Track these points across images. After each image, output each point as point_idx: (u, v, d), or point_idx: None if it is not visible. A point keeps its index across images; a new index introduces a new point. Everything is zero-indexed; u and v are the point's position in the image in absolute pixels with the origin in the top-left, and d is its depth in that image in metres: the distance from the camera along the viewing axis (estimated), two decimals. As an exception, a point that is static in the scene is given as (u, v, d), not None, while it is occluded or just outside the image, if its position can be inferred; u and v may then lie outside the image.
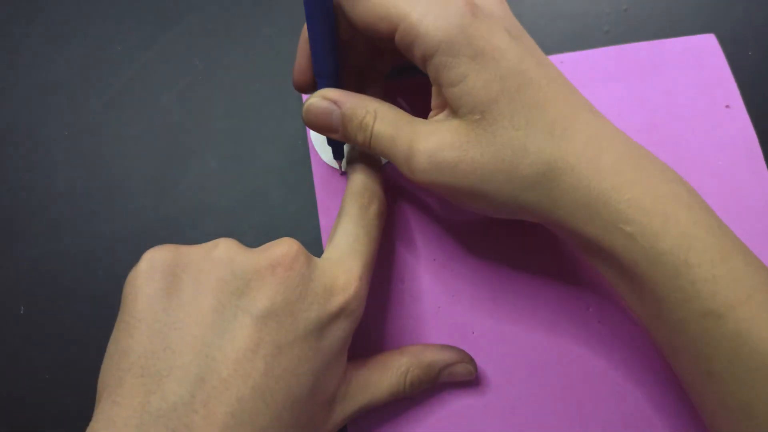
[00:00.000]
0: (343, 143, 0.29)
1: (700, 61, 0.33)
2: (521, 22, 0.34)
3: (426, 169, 0.24)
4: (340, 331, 0.23)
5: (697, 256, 0.21)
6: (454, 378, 0.27)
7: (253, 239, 0.30)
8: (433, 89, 0.25)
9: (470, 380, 0.28)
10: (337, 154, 0.29)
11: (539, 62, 0.24)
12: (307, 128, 0.32)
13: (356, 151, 0.29)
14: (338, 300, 0.23)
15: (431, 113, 0.25)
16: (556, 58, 0.33)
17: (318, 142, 0.32)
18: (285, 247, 0.22)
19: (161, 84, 0.34)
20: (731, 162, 0.31)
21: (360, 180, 0.27)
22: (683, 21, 0.34)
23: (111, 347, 0.21)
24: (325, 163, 0.32)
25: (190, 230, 0.31)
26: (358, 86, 0.29)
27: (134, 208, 0.32)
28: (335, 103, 0.25)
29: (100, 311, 0.30)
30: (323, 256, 0.25)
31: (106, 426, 0.19)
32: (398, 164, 0.25)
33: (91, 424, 0.20)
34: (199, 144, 0.33)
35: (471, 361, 0.27)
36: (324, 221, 0.31)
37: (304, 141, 0.33)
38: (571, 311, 0.29)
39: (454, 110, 0.24)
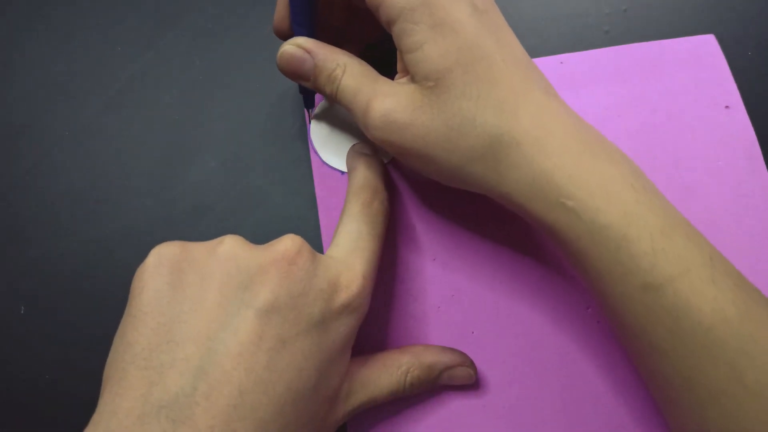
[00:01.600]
0: (314, 92, 0.31)
1: (699, 62, 0.33)
2: (521, 22, 0.34)
3: (379, 127, 0.25)
4: (344, 327, 0.23)
5: (636, 231, 0.21)
6: (454, 381, 0.27)
7: (253, 239, 0.30)
8: (398, 53, 0.25)
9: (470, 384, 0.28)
10: (308, 103, 0.31)
11: (499, 39, 0.24)
12: (308, 128, 0.32)
13: (358, 147, 0.29)
14: (342, 296, 0.23)
15: (396, 76, 0.26)
16: (556, 59, 0.33)
17: (318, 142, 0.32)
18: (288, 243, 0.23)
19: (161, 84, 0.34)
20: (731, 162, 0.31)
21: (362, 177, 0.27)
22: (683, 21, 0.34)
23: (117, 340, 0.22)
24: (325, 163, 0.32)
25: (190, 230, 0.31)
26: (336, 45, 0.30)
27: (134, 208, 0.32)
28: (308, 52, 0.26)
29: (100, 311, 0.30)
30: (327, 253, 0.25)
31: (109, 417, 0.20)
32: (357, 118, 0.26)
33: (94, 416, 0.20)
34: (199, 144, 0.33)
35: (471, 364, 0.27)
36: (324, 221, 0.31)
37: (304, 141, 0.33)
38: (570, 311, 0.29)
39: (412, 75, 0.24)
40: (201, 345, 0.20)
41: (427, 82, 0.24)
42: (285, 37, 0.29)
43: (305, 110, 0.32)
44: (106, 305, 0.30)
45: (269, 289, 0.21)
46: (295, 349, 0.21)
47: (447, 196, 0.30)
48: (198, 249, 0.23)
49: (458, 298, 0.29)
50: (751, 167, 0.31)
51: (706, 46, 0.33)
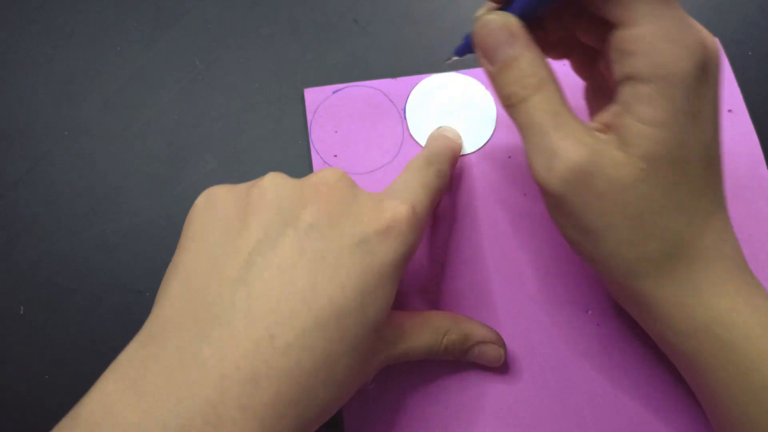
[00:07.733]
0: (472, 52, 0.25)
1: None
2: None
3: (565, 179, 0.21)
4: (391, 251, 0.22)
5: None
6: (483, 357, 0.27)
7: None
8: (614, 109, 0.22)
9: (496, 367, 0.28)
10: (460, 52, 0.26)
11: (718, 147, 0.23)
12: (309, 128, 0.32)
13: (443, 129, 0.31)
14: (387, 218, 0.22)
15: (592, 124, 0.23)
16: (556, 60, 0.33)
17: (317, 140, 0.32)
18: (329, 172, 0.23)
19: (161, 84, 0.34)
20: (734, 167, 0.31)
21: (427, 151, 0.29)
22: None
23: (167, 268, 0.23)
24: (325, 163, 0.32)
25: (190, 230, 0.31)
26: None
27: (134, 208, 0.32)
28: (512, 38, 0.22)
29: (99, 311, 0.30)
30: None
31: (150, 325, 0.21)
32: (531, 152, 0.22)
33: (141, 329, 0.21)
34: (199, 144, 0.33)
35: (503, 345, 0.27)
36: (324, 222, 0.31)
37: (304, 140, 0.33)
38: (570, 314, 0.29)
39: (624, 142, 0.21)
40: (241, 259, 0.21)
41: (641, 163, 0.20)
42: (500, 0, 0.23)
43: (453, 54, 0.27)
44: (106, 305, 0.30)
45: (309, 211, 0.22)
46: (337, 265, 0.21)
47: (449, 196, 0.30)
48: (242, 185, 0.24)
49: (458, 299, 0.29)
50: (754, 171, 0.31)
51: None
